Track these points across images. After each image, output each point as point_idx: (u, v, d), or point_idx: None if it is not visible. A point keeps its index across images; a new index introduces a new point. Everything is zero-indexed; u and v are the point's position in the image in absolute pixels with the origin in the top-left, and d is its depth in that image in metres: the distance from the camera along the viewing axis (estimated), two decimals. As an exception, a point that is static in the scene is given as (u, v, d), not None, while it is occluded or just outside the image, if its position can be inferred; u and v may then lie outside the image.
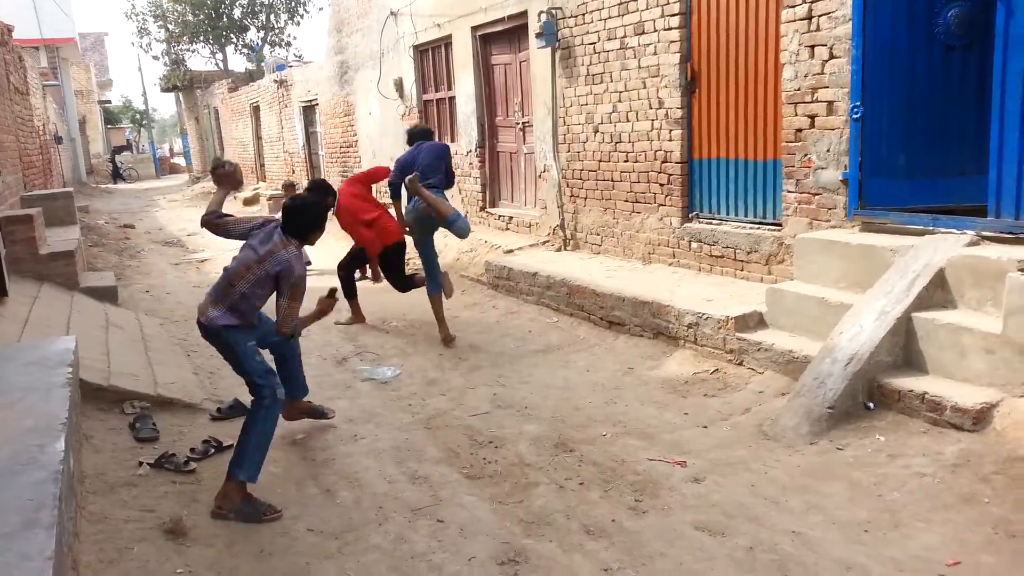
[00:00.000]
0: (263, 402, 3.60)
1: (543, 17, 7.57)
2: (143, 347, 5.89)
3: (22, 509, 2.40)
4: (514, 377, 5.24)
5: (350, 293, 6.96)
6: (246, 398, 4.90)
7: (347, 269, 7.04)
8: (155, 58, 31.25)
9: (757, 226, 5.83)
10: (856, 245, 4.64)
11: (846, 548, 2.91)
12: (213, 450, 4.11)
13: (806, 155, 5.24)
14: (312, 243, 3.80)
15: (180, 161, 38.98)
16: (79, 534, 3.01)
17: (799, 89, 5.23)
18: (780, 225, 5.59)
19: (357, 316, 6.98)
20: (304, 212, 3.71)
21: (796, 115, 5.27)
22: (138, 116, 52.40)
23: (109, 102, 46.01)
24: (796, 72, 5.22)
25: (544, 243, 8.20)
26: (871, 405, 3.87)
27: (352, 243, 6.98)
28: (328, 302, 3.96)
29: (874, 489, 3.28)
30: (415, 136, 6.43)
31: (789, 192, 5.42)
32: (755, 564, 2.86)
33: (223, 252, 11.56)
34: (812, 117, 5.16)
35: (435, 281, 6.21)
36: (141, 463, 3.87)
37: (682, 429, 4.19)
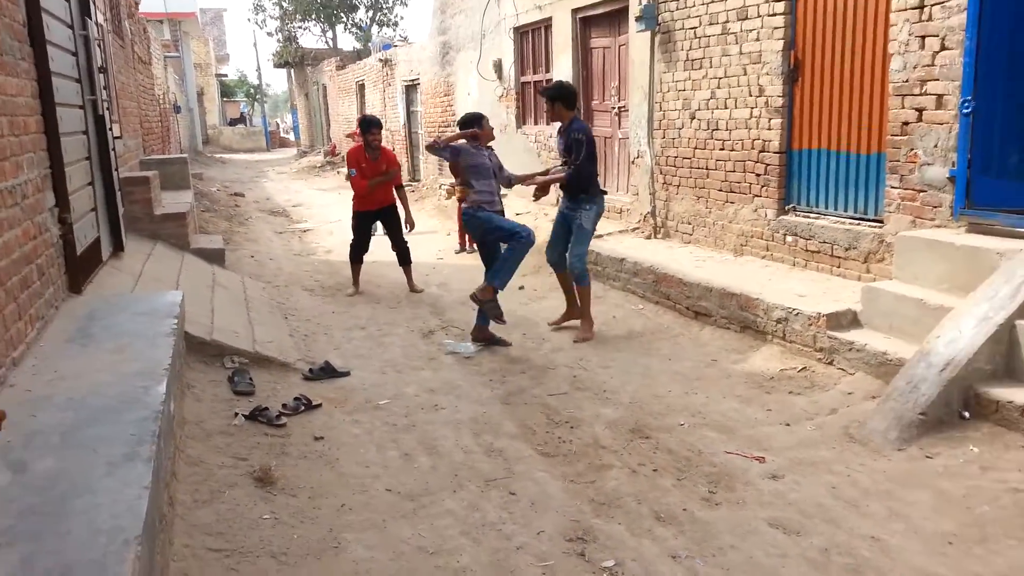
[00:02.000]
0: (520, 238, 5.39)
1: (644, 0, 7.46)
2: (245, 307, 6.20)
3: (126, 442, 2.61)
4: (595, 360, 5.25)
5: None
6: (336, 361, 5.13)
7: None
8: (269, 34, 32.56)
9: (856, 222, 5.62)
10: (960, 246, 4.42)
11: (927, 559, 2.81)
12: (303, 407, 4.31)
13: (912, 150, 5.01)
14: (484, 138, 5.89)
15: (289, 136, 40.42)
16: (176, 474, 3.23)
17: (907, 81, 4.99)
18: (881, 222, 5.38)
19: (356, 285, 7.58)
20: (463, 121, 5.97)
21: (903, 108, 5.04)
22: (252, 90, 54.60)
23: (225, 76, 48.16)
24: (905, 63, 4.99)
25: (634, 230, 8.13)
26: (966, 414, 3.70)
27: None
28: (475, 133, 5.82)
29: (963, 501, 3.15)
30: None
31: (892, 188, 5.20)
32: (829, 566, 2.80)
33: (325, 223, 12.03)
34: (920, 110, 4.93)
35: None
36: (237, 414, 4.10)
37: (763, 425, 4.11)
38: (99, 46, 6.22)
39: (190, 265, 7.06)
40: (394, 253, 7.64)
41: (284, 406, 4.30)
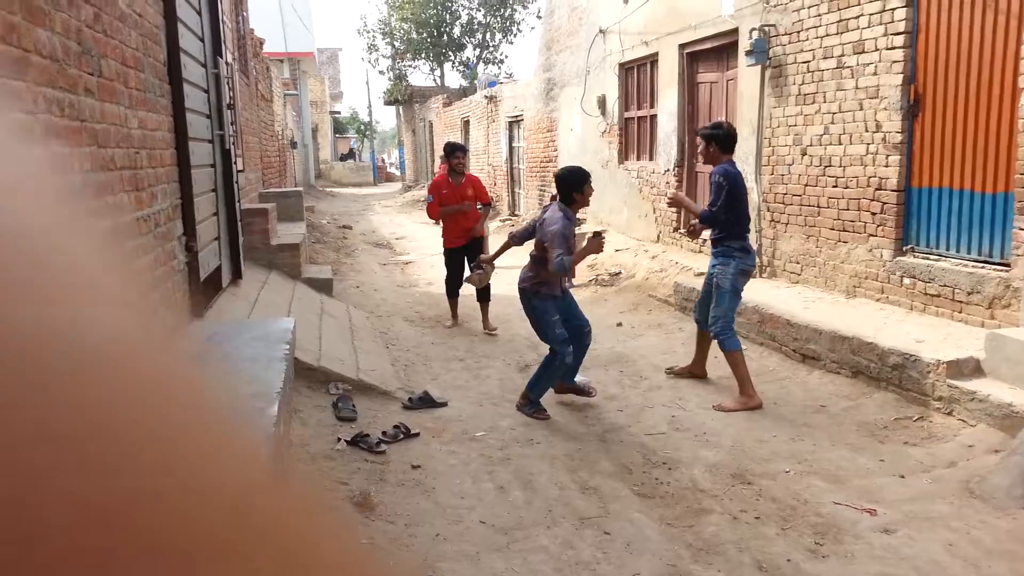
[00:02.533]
0: (556, 359, 4.80)
1: (755, 34, 7.37)
2: (350, 336, 6.42)
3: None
4: (694, 401, 5.14)
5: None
6: (434, 391, 5.22)
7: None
8: (381, 72, 33.91)
9: (981, 265, 5.31)
10: (1102, 293, 4.10)
11: (1060, 630, 2.58)
12: (402, 435, 4.41)
13: (1046, 189, 4.71)
14: (579, 203, 4.92)
15: (395, 171, 41.82)
16: (283, 495, 3.34)
17: (1041, 116, 4.72)
18: (1008, 265, 5.06)
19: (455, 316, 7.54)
20: (562, 177, 4.92)
21: (1036, 145, 4.76)
22: (362, 127, 56.93)
23: (339, 112, 50.45)
24: (1039, 98, 4.72)
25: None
26: (1105, 474, 3.41)
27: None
28: (596, 242, 4.80)
29: (1099, 568, 2.89)
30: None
31: (1021, 229, 4.89)
32: (946, 629, 2.62)
33: (426, 255, 12.32)
34: (1055, 148, 4.64)
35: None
36: (339, 439, 4.23)
37: (875, 476, 3.91)
38: (228, 84, 6.66)
39: (301, 293, 7.38)
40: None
41: (384, 433, 4.40)
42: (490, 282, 6.81)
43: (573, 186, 4.82)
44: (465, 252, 7.34)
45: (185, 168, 4.95)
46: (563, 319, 4.93)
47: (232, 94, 7.11)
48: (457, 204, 7.30)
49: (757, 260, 7.65)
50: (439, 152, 25.14)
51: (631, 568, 3.07)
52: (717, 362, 5.95)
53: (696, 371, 5.61)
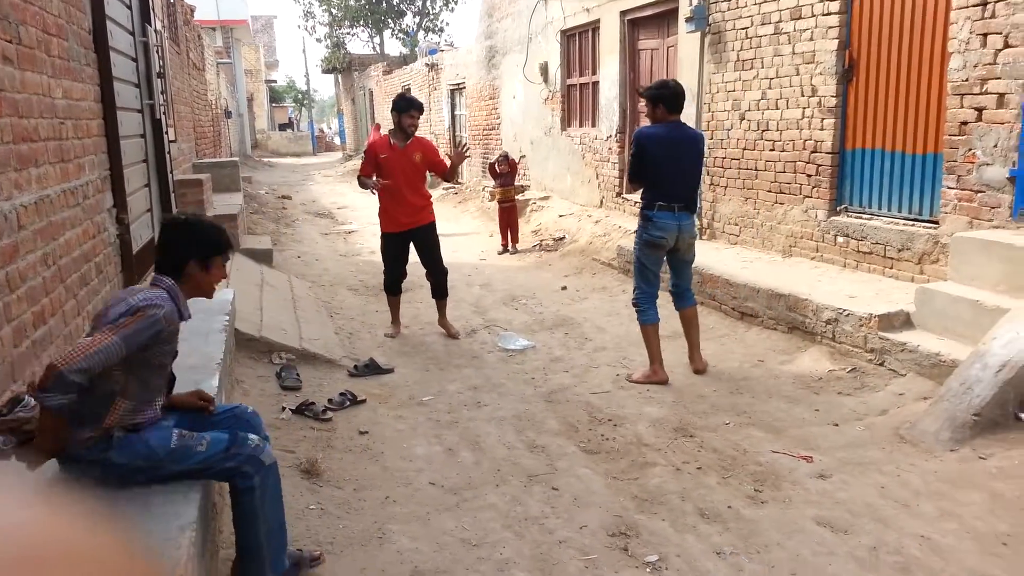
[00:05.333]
0: (243, 488, 2.41)
1: (695, 1, 7.41)
2: (292, 306, 6.32)
3: (181, 431, 2.67)
4: (638, 360, 5.22)
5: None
6: (380, 359, 5.19)
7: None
8: (318, 40, 33.18)
9: (911, 223, 5.50)
10: (1020, 247, 4.29)
11: (980, 559, 2.73)
12: (348, 402, 4.38)
13: (970, 150, 4.89)
14: (197, 282, 2.48)
15: (336, 140, 41.07)
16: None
17: (967, 80, 4.87)
18: (936, 223, 5.25)
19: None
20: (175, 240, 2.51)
21: (962, 107, 4.93)
22: (300, 96, 55.60)
23: (275, 81, 49.12)
24: (965, 62, 4.87)
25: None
26: (1022, 416, 3.59)
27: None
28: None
29: (1018, 502, 3.05)
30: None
31: (949, 188, 5.07)
32: (878, 564, 2.75)
33: (369, 224, 12.15)
34: (980, 110, 4.80)
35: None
36: (284, 408, 4.18)
37: (811, 425, 4.05)
38: (157, 52, 6.41)
39: (240, 264, 7.22)
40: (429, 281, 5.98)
41: (330, 401, 4.37)
42: (447, 278, 5.92)
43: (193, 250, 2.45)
44: (411, 239, 5.85)
45: (114, 139, 4.77)
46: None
47: (162, 63, 6.85)
48: (401, 173, 5.65)
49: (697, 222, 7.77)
50: (379, 120, 24.74)
51: (579, 520, 3.13)
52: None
53: (694, 364, 4.96)
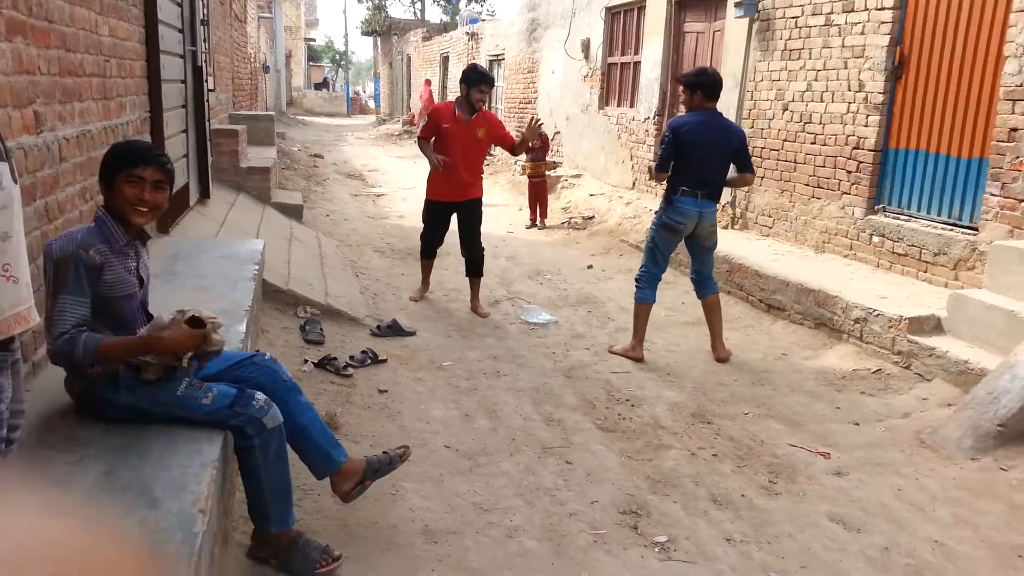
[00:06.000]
0: (245, 445, 2.38)
1: (746, -15, 7.27)
2: (319, 262, 6.35)
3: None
4: (661, 343, 5.20)
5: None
6: (403, 321, 5.21)
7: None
8: (359, 1, 32.88)
9: (949, 227, 5.40)
10: (1063, 259, 4.20)
11: (993, 570, 2.71)
12: (370, 361, 4.41)
13: (1017, 157, 4.78)
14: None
15: (370, 103, 41.02)
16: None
17: (1021, 85, 4.75)
18: (976, 229, 5.15)
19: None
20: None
21: (1013, 113, 4.81)
22: (338, 56, 55.51)
23: (314, 40, 49.03)
24: (1021, 66, 4.75)
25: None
26: (1050, 430, 3.54)
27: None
28: (179, 333, 2.25)
29: (1038, 516, 3.02)
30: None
31: (992, 195, 4.97)
32: (889, 565, 2.73)
33: (399, 189, 12.18)
34: (1032, 116, 4.69)
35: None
36: (307, 361, 4.22)
37: (831, 422, 4.01)
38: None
39: (270, 218, 7.26)
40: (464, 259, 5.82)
41: (351, 358, 4.40)
42: (482, 250, 5.74)
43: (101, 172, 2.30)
44: (455, 210, 5.70)
45: (155, 81, 4.79)
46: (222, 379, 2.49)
47: (206, 11, 6.85)
48: (461, 146, 5.47)
49: (731, 211, 7.69)
50: (417, 87, 24.63)
51: (591, 495, 3.13)
52: (684, 307, 6.01)
53: (716, 352, 4.92)
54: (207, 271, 4.13)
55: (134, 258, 2.33)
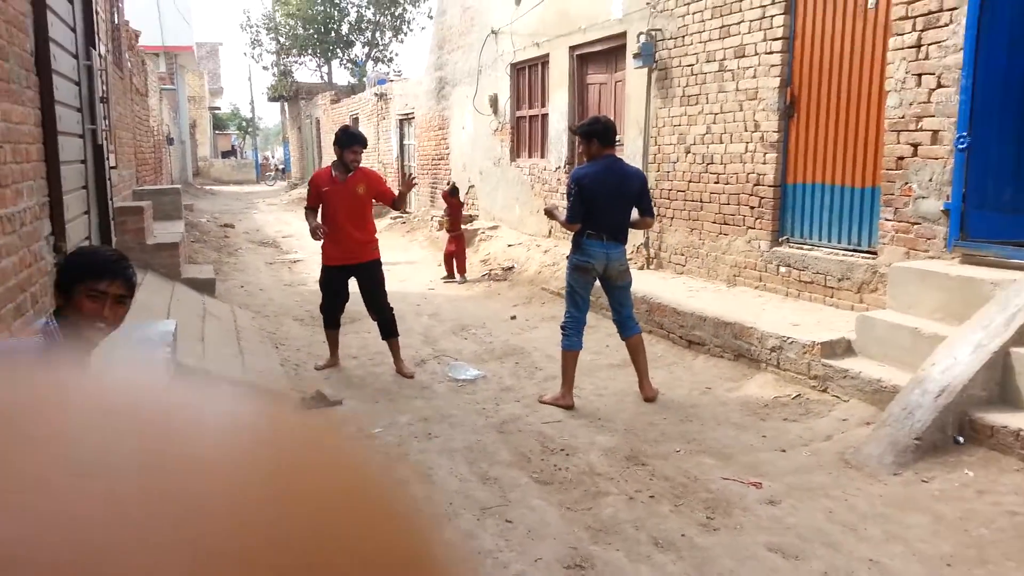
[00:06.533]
0: None
1: (642, 38, 7.60)
2: (236, 337, 6.17)
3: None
4: (589, 388, 5.24)
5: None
6: (327, 391, 5.10)
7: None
8: (264, 68, 32.97)
9: (851, 253, 5.68)
10: (955, 277, 4.46)
11: (927, 582, 2.79)
12: (295, 435, 4.27)
13: (907, 183, 5.09)
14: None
15: (280, 168, 40.62)
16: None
17: (903, 117, 5.09)
18: (875, 253, 5.43)
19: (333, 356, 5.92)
20: None
21: (899, 143, 5.14)
22: (244, 123, 54.97)
23: (219, 109, 48.46)
24: (901, 100, 5.09)
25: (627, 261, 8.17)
26: (961, 439, 3.71)
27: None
28: None
29: (960, 524, 3.14)
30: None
31: (887, 220, 5.26)
32: (828, 590, 2.78)
33: (315, 253, 12.00)
34: (915, 145, 5.02)
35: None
36: (228, 441, 4.05)
37: (759, 451, 4.10)
38: (101, 76, 6.27)
39: (181, 295, 7.05)
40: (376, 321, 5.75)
41: (277, 433, 4.25)
42: (394, 315, 5.70)
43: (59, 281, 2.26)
44: (352, 274, 5.66)
45: (54, 164, 4.62)
46: None
47: (105, 87, 6.70)
48: (343, 206, 5.50)
49: (645, 252, 7.89)
50: (327, 149, 24.55)
51: (533, 553, 3.09)
52: (609, 350, 6.09)
53: (644, 392, 4.98)
54: (118, 357, 3.95)
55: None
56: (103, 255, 2.22)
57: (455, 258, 9.69)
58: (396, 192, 5.77)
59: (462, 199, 10.74)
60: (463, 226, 10.16)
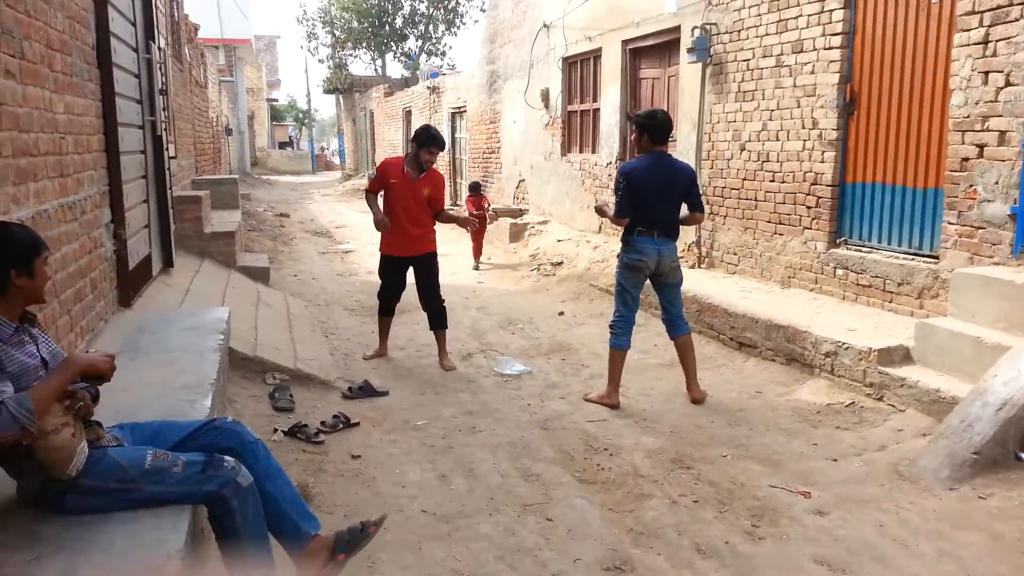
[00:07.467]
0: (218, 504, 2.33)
1: (696, 32, 7.47)
2: (287, 325, 6.27)
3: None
4: (635, 387, 5.18)
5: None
6: (375, 381, 5.15)
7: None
8: (320, 61, 33.45)
9: (911, 257, 5.49)
10: (1020, 284, 4.28)
11: (982, 604, 2.68)
12: (342, 425, 4.33)
13: (971, 186, 4.90)
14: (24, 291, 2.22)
15: (335, 159, 41.22)
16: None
17: (968, 116, 4.89)
18: (937, 258, 5.25)
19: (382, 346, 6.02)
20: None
21: (963, 143, 4.94)
22: (301, 115, 55.85)
23: (276, 100, 49.36)
24: (966, 98, 4.90)
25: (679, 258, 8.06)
26: (1022, 456, 3.55)
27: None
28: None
29: (1019, 544, 3.01)
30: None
31: (950, 224, 5.08)
32: (877, 606, 2.70)
33: (367, 244, 12.14)
34: (981, 146, 4.82)
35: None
36: (276, 430, 4.13)
37: (809, 460, 4.00)
38: (160, 69, 6.42)
39: (236, 282, 7.19)
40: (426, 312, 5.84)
41: (323, 423, 4.31)
42: (445, 307, 5.82)
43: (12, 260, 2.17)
44: (411, 264, 5.76)
45: (114, 154, 4.76)
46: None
47: (164, 80, 6.86)
48: (405, 203, 5.58)
49: (696, 250, 7.77)
50: (380, 142, 24.78)
51: (573, 553, 3.07)
52: (657, 350, 6.02)
53: (692, 394, 4.94)
54: (172, 344, 4.04)
55: (31, 341, 2.22)
56: (32, 231, 2.31)
57: (473, 244, 10.29)
58: (452, 214, 6.11)
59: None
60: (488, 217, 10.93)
